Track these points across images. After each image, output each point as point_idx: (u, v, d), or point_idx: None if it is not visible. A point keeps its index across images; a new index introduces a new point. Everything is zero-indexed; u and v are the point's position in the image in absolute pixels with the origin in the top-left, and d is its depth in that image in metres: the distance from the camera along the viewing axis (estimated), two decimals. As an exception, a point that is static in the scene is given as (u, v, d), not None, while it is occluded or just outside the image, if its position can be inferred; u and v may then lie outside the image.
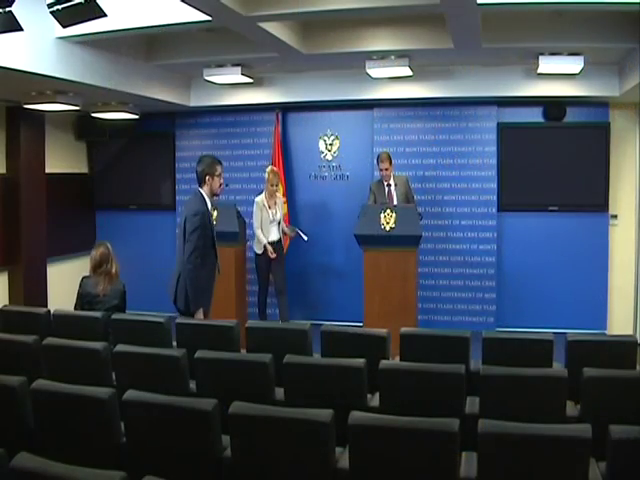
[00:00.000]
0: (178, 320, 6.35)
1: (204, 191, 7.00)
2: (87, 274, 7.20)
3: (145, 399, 4.12)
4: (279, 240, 9.72)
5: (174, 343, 6.16)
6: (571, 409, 4.84)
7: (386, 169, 9.34)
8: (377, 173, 9.97)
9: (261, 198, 9.57)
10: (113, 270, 7.12)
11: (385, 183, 9.37)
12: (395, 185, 9.38)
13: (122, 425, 4.24)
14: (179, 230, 7.09)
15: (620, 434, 3.53)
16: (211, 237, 6.99)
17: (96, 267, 7.11)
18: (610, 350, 5.65)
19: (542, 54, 8.46)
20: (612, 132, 10.16)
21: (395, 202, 9.22)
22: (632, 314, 10.29)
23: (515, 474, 3.58)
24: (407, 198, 9.43)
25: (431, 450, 3.64)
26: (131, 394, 4.15)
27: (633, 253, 10.25)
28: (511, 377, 4.70)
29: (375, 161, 9.83)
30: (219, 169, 7.05)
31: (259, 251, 9.57)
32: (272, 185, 9.51)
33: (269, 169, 9.64)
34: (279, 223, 9.71)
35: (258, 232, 9.50)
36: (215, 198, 7.23)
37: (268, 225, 9.52)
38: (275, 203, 9.62)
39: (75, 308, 7.13)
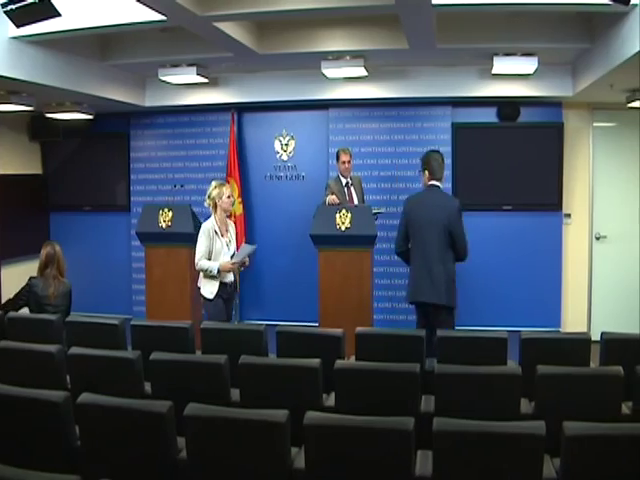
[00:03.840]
0: (133, 322, 6.32)
1: None
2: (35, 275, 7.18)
3: (100, 402, 4.10)
4: (234, 281, 8.03)
5: (129, 346, 6.13)
6: (525, 406, 4.89)
7: (348, 161, 9.38)
8: (333, 173, 9.99)
9: (211, 223, 7.70)
10: (60, 271, 7.11)
11: (343, 181, 9.38)
12: (352, 184, 9.41)
13: (77, 428, 4.21)
14: (429, 224, 7.11)
15: (574, 430, 3.57)
16: None
17: (42, 268, 7.11)
18: (564, 347, 5.71)
19: (496, 55, 8.52)
20: (565, 132, 10.25)
21: (355, 202, 9.24)
22: (585, 312, 10.41)
23: (470, 472, 3.61)
24: (362, 199, 9.47)
25: (386, 449, 3.66)
26: (86, 397, 4.12)
27: (586, 252, 10.37)
28: (466, 375, 4.73)
29: (333, 160, 9.86)
30: None
31: (211, 295, 7.65)
32: (223, 200, 7.72)
33: (213, 185, 7.83)
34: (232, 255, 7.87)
35: (203, 262, 7.55)
36: None
37: (220, 258, 7.66)
38: (227, 230, 7.89)
39: (11, 300, 7.12)
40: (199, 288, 7.76)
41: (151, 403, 4.12)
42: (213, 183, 7.86)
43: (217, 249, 7.66)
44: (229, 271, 7.72)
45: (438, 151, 7.48)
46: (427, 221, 7.09)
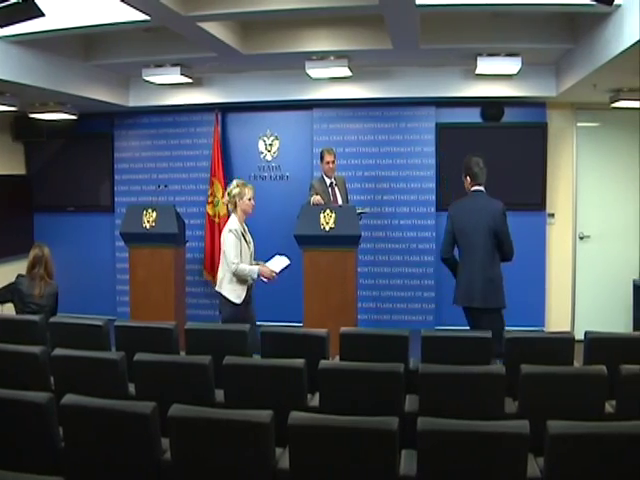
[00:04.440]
0: (117, 323, 6.31)
1: None
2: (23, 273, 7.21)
3: (84, 403, 4.09)
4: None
5: (113, 346, 6.12)
6: (509, 406, 4.91)
7: (332, 162, 9.36)
8: (317, 173, 9.99)
9: (237, 224, 7.39)
10: (47, 273, 7.12)
11: (328, 181, 9.37)
12: (336, 184, 9.41)
13: (60, 430, 4.20)
14: (476, 229, 7.15)
15: (557, 429, 3.59)
16: None
17: (30, 268, 7.15)
18: (548, 347, 5.74)
19: (480, 55, 8.54)
20: (549, 132, 10.29)
21: (340, 202, 9.24)
22: (569, 311, 10.46)
23: (454, 471, 3.62)
24: (346, 199, 9.47)
25: (371, 449, 3.67)
26: (69, 398, 4.11)
27: (570, 251, 10.41)
28: (450, 375, 4.75)
29: (317, 160, 9.84)
30: None
31: (239, 300, 7.34)
32: (244, 201, 7.44)
33: (235, 183, 7.55)
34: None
35: (243, 266, 7.26)
36: None
37: (246, 261, 7.41)
38: (246, 231, 7.59)
39: None
40: (219, 293, 7.40)
41: (135, 404, 4.11)
42: (235, 181, 7.58)
43: (244, 251, 7.39)
44: (268, 278, 7.46)
45: (478, 155, 7.48)
46: (474, 226, 7.15)
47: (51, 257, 7.34)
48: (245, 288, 7.35)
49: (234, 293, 7.30)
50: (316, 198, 8.98)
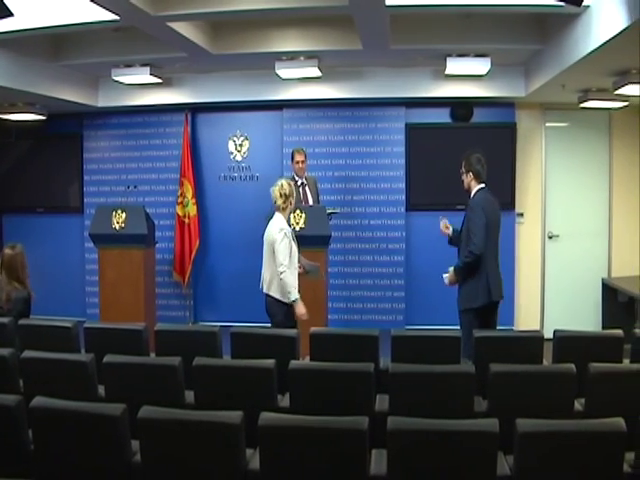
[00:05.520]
0: (86, 324, 6.27)
1: None
2: None
3: (53, 405, 4.06)
4: None
5: (82, 348, 6.09)
6: (479, 404, 4.93)
7: (302, 162, 9.36)
8: (287, 173, 10.00)
9: (286, 224, 7.19)
10: (17, 277, 6.98)
11: (299, 182, 9.35)
12: (306, 184, 9.40)
13: (30, 432, 4.17)
14: (497, 225, 7.39)
15: (526, 428, 3.61)
16: None
17: None
18: (517, 346, 5.77)
19: (450, 55, 8.58)
20: (518, 132, 10.37)
21: (310, 202, 9.24)
22: (539, 310, 10.54)
23: (424, 470, 3.63)
24: (317, 199, 9.47)
25: (341, 449, 3.67)
26: (39, 401, 4.08)
27: (539, 250, 10.48)
28: (420, 374, 4.77)
29: (287, 160, 9.85)
30: None
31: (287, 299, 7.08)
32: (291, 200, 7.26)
33: (288, 182, 7.32)
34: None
35: (290, 279, 7.02)
36: None
37: (296, 261, 7.25)
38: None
39: None
40: (269, 296, 7.12)
41: (105, 406, 4.09)
42: (285, 181, 7.29)
43: (294, 251, 7.13)
44: (301, 315, 7.04)
45: (479, 152, 7.54)
46: (495, 221, 7.32)
47: (22, 260, 7.12)
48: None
49: (278, 292, 7.06)
50: None
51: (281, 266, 6.91)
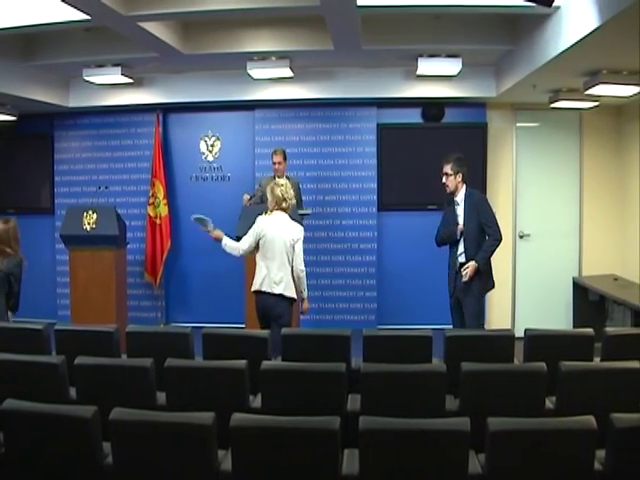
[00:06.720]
0: (57, 326, 6.24)
1: None
2: None
3: (24, 408, 4.03)
4: None
5: (53, 350, 6.05)
6: (450, 403, 4.94)
7: (279, 163, 9.28)
8: (258, 174, 10.00)
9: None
10: (10, 247, 7.06)
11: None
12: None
13: (1, 435, 4.14)
14: None
15: (498, 426, 3.63)
16: None
17: None
18: (488, 344, 5.79)
19: (421, 56, 8.63)
20: (489, 132, 10.42)
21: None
22: (510, 309, 10.59)
23: (396, 469, 3.64)
24: (298, 202, 9.42)
25: (312, 449, 3.67)
26: (9, 403, 4.05)
27: (510, 250, 10.50)
28: (391, 374, 4.77)
29: (259, 161, 9.95)
30: None
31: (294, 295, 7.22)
32: None
33: (287, 182, 7.42)
34: None
35: (304, 277, 7.22)
36: None
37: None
38: None
39: None
40: (276, 295, 7.04)
41: (76, 408, 4.06)
42: (286, 181, 7.38)
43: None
44: (307, 310, 7.55)
45: (459, 153, 7.84)
46: None
47: (15, 234, 7.31)
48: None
49: (293, 290, 7.13)
50: (244, 198, 8.99)
51: (302, 264, 7.10)
